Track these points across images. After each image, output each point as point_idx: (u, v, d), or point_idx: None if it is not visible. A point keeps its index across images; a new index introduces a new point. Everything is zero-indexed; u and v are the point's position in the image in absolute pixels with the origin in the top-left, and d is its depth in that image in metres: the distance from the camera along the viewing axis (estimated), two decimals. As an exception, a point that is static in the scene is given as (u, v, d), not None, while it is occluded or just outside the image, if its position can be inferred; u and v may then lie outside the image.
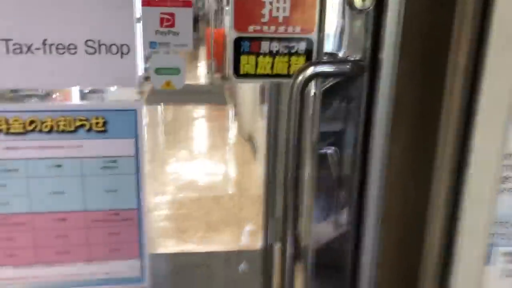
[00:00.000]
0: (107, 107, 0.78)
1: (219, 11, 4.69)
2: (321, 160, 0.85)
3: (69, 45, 0.73)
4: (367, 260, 0.81)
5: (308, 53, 0.80)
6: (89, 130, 0.78)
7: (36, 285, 0.84)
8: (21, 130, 0.77)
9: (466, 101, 0.68)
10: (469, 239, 0.71)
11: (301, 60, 0.80)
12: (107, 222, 0.83)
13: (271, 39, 0.78)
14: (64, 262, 0.84)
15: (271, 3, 0.77)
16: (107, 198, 0.82)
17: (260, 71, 0.80)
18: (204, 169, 3.51)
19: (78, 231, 0.83)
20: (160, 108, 4.91)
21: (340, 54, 0.85)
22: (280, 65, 0.80)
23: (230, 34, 0.78)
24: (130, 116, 0.78)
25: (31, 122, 0.76)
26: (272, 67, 0.80)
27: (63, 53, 0.73)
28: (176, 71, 0.77)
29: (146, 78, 0.78)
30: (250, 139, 4.11)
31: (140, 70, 0.76)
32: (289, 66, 0.80)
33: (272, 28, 0.78)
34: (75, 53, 0.73)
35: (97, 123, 0.78)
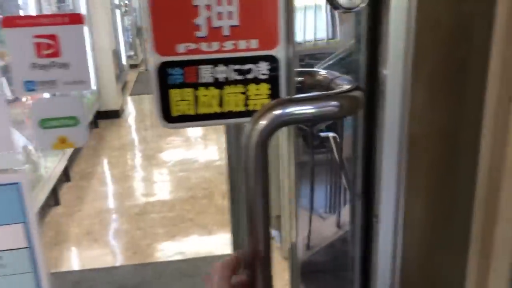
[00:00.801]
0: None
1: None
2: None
3: None
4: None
5: (272, 79, 0.53)
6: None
7: None
8: None
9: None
10: None
11: (263, 88, 0.53)
12: None
13: (215, 62, 0.51)
14: None
15: (208, 7, 0.49)
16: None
17: (202, 110, 0.53)
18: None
19: None
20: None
21: (324, 73, 0.58)
22: (233, 98, 0.53)
23: (153, 59, 0.51)
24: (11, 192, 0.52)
25: None
26: (220, 103, 0.53)
27: None
28: (72, 121, 0.51)
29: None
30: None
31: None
32: (247, 98, 0.53)
33: (215, 44, 0.51)
34: None
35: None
